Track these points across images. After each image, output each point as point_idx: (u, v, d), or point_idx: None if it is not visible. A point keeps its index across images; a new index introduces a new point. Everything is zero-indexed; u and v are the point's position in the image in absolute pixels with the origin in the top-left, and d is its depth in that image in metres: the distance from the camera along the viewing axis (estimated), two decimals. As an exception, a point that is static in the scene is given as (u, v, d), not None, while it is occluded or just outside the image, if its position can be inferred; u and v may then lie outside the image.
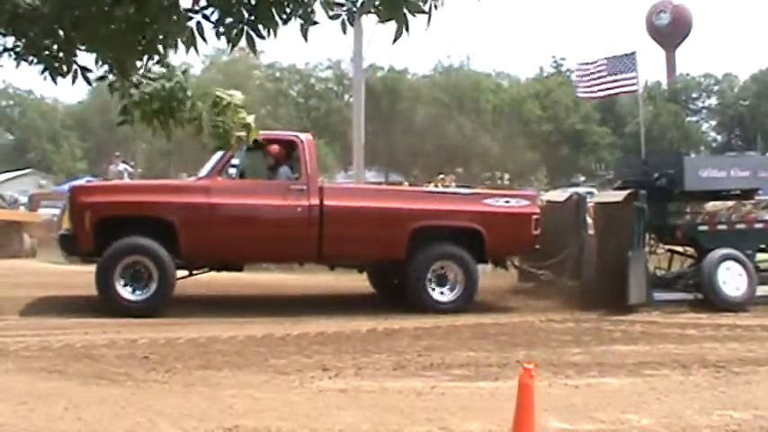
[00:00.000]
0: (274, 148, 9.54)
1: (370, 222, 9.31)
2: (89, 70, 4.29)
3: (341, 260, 10.00)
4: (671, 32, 64.26)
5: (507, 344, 7.47)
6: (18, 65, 4.37)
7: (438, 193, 10.74)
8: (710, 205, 10.03)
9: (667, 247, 10.76)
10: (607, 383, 5.98)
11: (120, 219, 8.87)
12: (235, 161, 9.27)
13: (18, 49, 4.34)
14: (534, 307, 9.77)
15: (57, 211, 17.88)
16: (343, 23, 3.76)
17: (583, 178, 50.43)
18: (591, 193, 12.96)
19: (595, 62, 18.16)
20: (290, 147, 9.69)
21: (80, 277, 12.90)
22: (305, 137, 9.72)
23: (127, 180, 17.35)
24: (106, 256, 8.75)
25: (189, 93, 4.63)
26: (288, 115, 50.26)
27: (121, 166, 17.75)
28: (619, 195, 9.91)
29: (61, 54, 4.19)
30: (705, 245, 9.94)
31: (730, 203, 10.10)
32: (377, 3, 3.59)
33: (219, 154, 9.37)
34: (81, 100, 60.64)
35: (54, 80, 4.26)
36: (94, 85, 4.63)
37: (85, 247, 9.00)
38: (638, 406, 5.31)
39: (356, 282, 11.94)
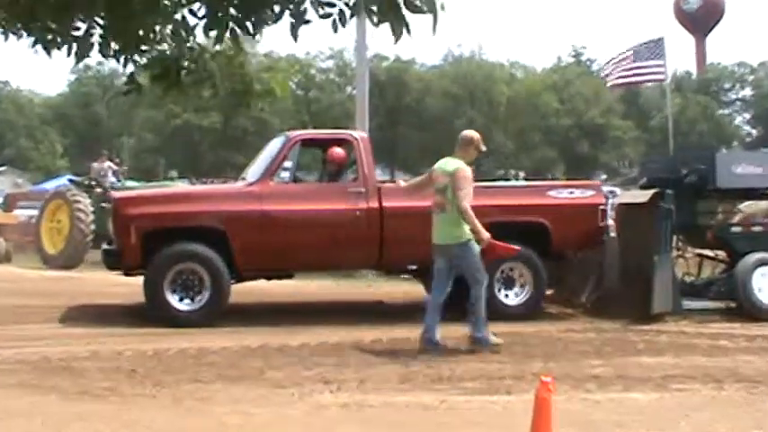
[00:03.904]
0: (338, 154, 9.53)
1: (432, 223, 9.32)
2: (88, 41, 4.22)
3: (402, 265, 9.96)
4: (701, 18, 64.21)
5: (523, 355, 7.46)
6: (6, 38, 4.35)
7: (499, 187, 10.68)
8: (745, 205, 10.00)
9: (697, 250, 10.73)
10: (631, 398, 5.96)
11: (168, 230, 8.86)
12: (287, 163, 9.28)
13: (4, 22, 4.31)
14: (552, 315, 9.78)
15: (34, 212, 17.93)
16: (333, 23, 3.79)
17: (604, 176, 50.36)
18: (613, 193, 12.92)
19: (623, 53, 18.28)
20: (344, 146, 9.71)
21: (59, 284, 12.98)
22: (359, 135, 9.74)
23: (111, 178, 17.41)
24: (155, 264, 8.73)
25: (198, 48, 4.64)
26: (286, 108, 50.32)
27: (106, 164, 17.80)
28: (644, 195, 9.88)
29: (54, 25, 4.17)
30: (738, 248, 9.90)
31: (766, 203, 10.07)
32: (372, 7, 3.60)
33: (270, 155, 9.47)
34: (61, 92, 60.91)
35: (48, 53, 4.24)
36: (75, 75, 4.62)
37: (132, 262, 8.96)
38: (665, 423, 5.31)
39: (358, 288, 11.96)
